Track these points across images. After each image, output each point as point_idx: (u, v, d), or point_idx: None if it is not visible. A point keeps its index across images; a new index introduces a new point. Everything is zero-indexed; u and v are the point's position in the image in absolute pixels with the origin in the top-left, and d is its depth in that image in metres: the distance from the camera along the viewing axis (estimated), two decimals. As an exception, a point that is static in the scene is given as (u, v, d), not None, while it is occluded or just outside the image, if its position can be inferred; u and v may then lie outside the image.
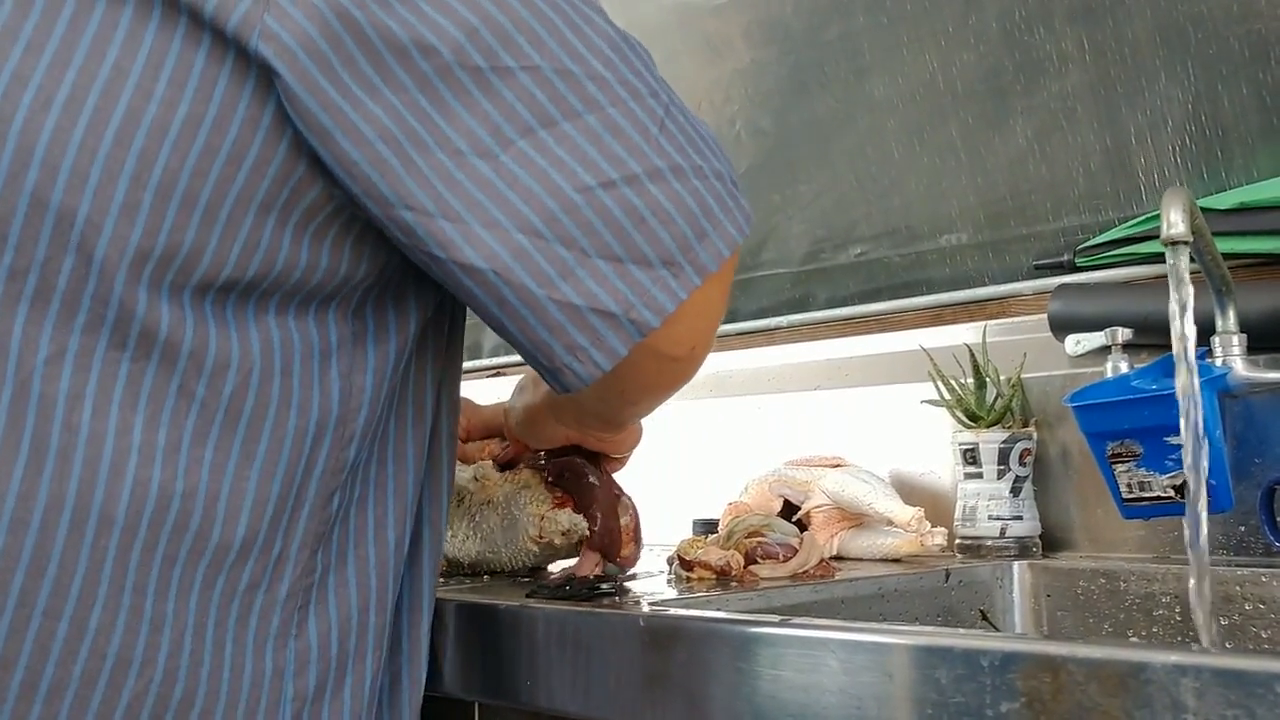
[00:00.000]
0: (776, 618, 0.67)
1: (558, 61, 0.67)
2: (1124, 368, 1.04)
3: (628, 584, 0.96)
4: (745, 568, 0.98)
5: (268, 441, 0.68)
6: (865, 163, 1.36)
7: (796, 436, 1.33)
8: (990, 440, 1.13)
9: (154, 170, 0.63)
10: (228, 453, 0.66)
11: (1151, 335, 1.07)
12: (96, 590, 0.62)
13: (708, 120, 1.47)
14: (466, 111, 0.65)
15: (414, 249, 0.67)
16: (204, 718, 0.66)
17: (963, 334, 1.25)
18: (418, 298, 0.75)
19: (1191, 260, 0.87)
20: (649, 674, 0.72)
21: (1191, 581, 0.83)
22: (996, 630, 1.06)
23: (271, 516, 0.68)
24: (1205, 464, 0.85)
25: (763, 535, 1.02)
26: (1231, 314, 0.99)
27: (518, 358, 1.60)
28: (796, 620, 0.66)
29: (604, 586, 0.88)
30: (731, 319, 1.51)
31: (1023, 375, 1.16)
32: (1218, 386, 0.96)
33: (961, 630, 0.81)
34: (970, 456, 1.14)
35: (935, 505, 1.18)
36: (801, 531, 1.06)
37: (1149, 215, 1.16)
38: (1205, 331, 0.97)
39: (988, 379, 1.16)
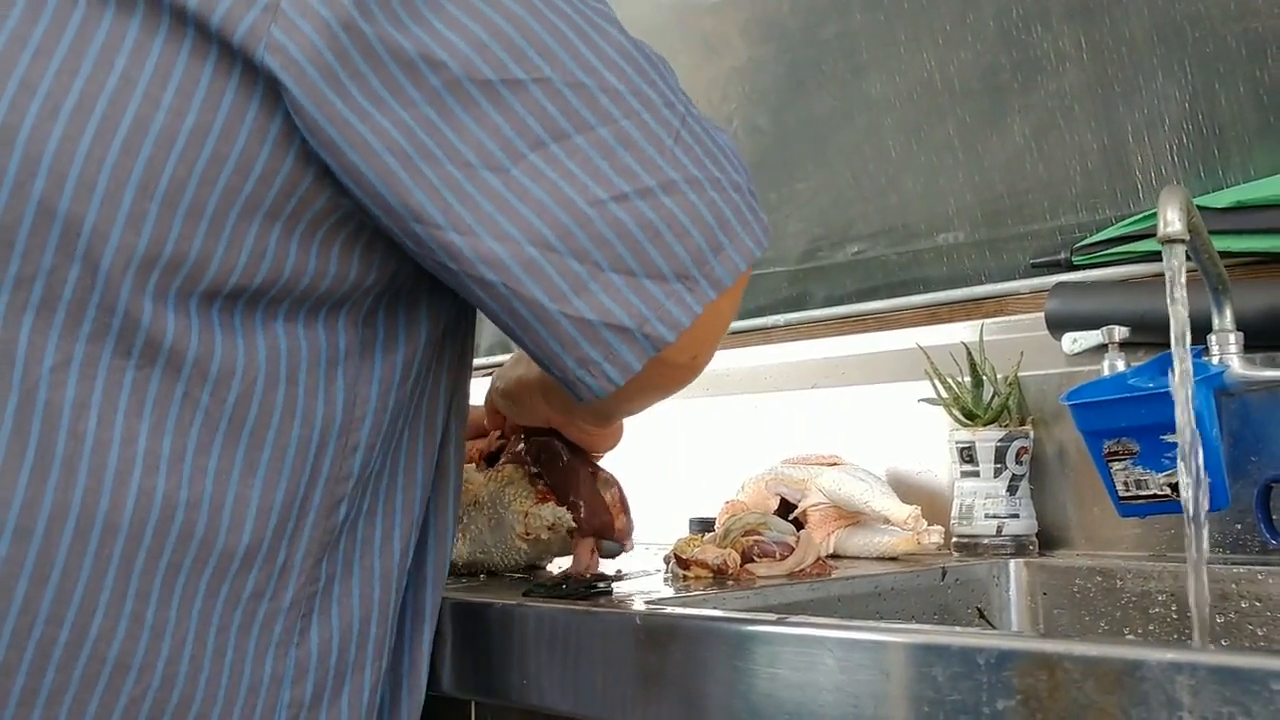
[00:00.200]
0: (773, 616, 0.67)
1: (569, 74, 0.67)
2: (1120, 366, 1.04)
3: (624, 583, 0.96)
4: (742, 566, 0.98)
5: (271, 450, 0.67)
6: (862, 161, 1.36)
7: (793, 435, 1.33)
8: (987, 439, 1.13)
9: (161, 179, 0.63)
10: (232, 460, 0.66)
11: (1148, 333, 1.07)
12: (98, 598, 0.63)
13: (705, 118, 1.48)
14: (476, 124, 0.65)
15: (426, 258, 0.67)
16: None
17: (960, 332, 1.25)
18: (430, 306, 0.75)
19: (1188, 258, 0.87)
20: (645, 672, 0.72)
21: (1190, 578, 0.83)
22: (993, 628, 1.07)
23: (275, 525, 0.68)
24: (1201, 462, 0.85)
25: (759, 534, 1.02)
26: (1228, 312, 0.99)
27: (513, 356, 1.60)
28: (793, 619, 0.66)
29: (600, 585, 0.88)
30: (729, 317, 1.51)
31: (1019, 374, 1.16)
32: (1214, 385, 0.96)
33: (958, 628, 0.81)
34: (967, 455, 1.14)
35: (932, 503, 1.18)
36: (798, 530, 1.06)
37: (1146, 214, 1.16)
38: (1202, 330, 0.97)
39: (984, 377, 1.16)
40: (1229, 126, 1.11)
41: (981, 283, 1.30)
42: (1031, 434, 1.15)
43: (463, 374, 0.82)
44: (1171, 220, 0.84)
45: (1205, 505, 0.85)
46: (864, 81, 1.33)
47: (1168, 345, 0.86)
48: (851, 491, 1.12)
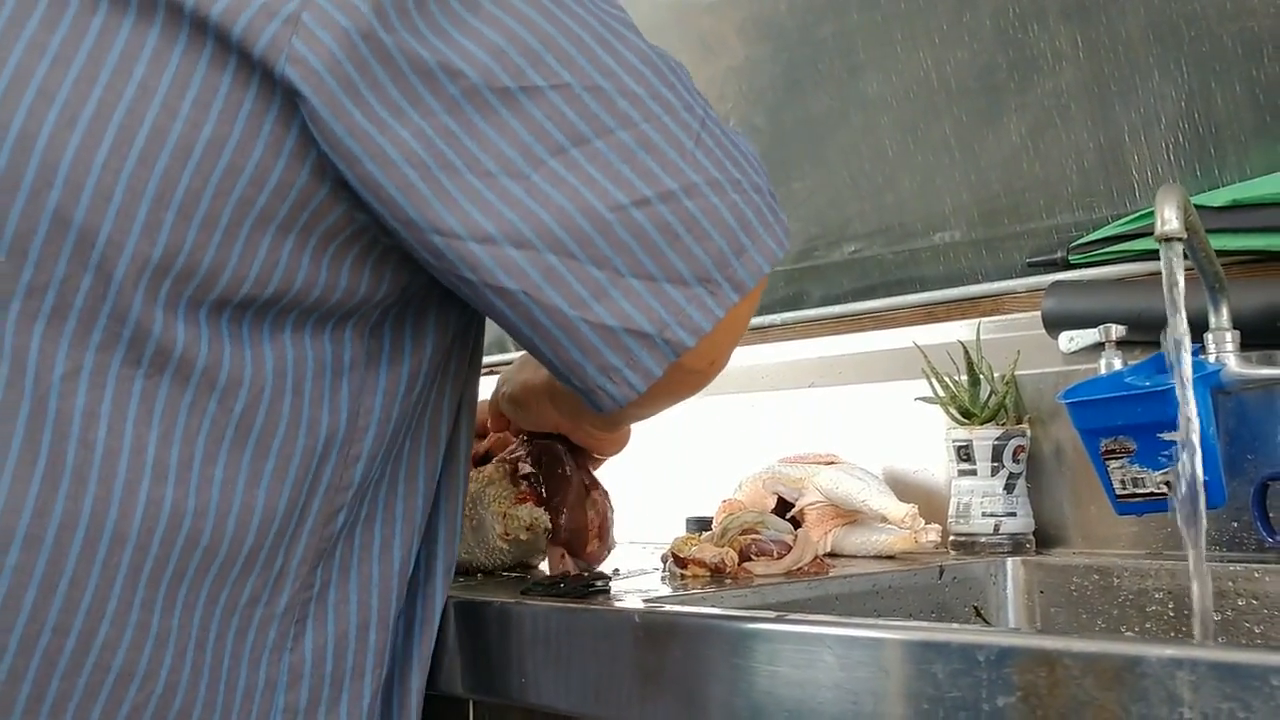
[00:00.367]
0: (772, 614, 0.67)
1: (588, 78, 0.66)
2: (1117, 364, 1.04)
3: (621, 581, 0.96)
4: (739, 565, 0.98)
5: (275, 459, 0.68)
6: (859, 160, 1.36)
7: (790, 434, 1.33)
8: (984, 437, 1.13)
9: (176, 190, 0.63)
10: (237, 468, 0.66)
11: (1145, 332, 1.07)
12: (105, 606, 0.63)
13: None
14: (496, 132, 0.65)
15: (445, 272, 0.67)
16: None
17: (956, 331, 1.25)
18: (438, 320, 0.75)
19: (1185, 257, 0.87)
20: (644, 671, 0.72)
21: (1191, 574, 0.83)
22: (991, 626, 1.07)
23: (275, 532, 0.68)
24: (1199, 460, 0.85)
25: (757, 532, 1.02)
26: (1225, 311, 0.99)
27: (511, 356, 1.60)
28: (792, 616, 0.66)
29: (598, 584, 0.88)
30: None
31: (1016, 372, 1.16)
32: (1211, 383, 0.96)
33: (957, 625, 0.81)
34: (964, 453, 1.14)
35: (929, 502, 1.18)
36: (795, 528, 1.06)
37: (1142, 212, 1.17)
38: (1198, 328, 0.97)
39: (981, 376, 1.16)
40: (1225, 125, 1.11)
41: (978, 281, 1.30)
42: (1028, 432, 1.15)
43: (471, 382, 0.81)
44: (1169, 219, 0.84)
45: (1203, 503, 0.85)
46: (861, 81, 1.33)
47: (1164, 344, 0.86)
48: (849, 490, 1.12)
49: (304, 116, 0.63)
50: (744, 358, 1.44)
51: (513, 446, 1.02)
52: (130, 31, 0.63)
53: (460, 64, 0.64)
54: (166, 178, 0.63)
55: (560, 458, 0.98)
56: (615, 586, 0.90)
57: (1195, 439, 0.85)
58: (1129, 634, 1.02)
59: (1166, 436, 0.94)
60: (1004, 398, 1.15)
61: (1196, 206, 0.96)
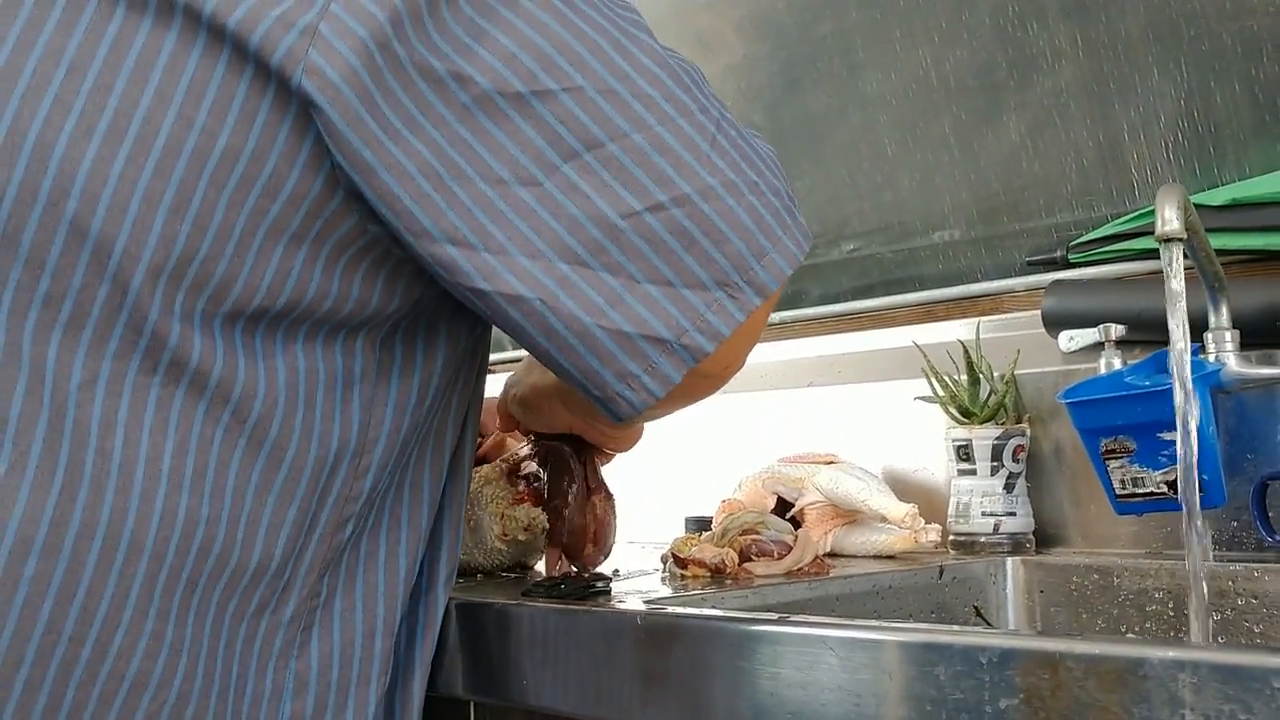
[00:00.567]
0: (774, 615, 0.67)
1: (602, 82, 0.66)
2: (1117, 364, 1.04)
3: (622, 582, 0.96)
4: (740, 565, 0.98)
5: (288, 470, 0.68)
6: (858, 159, 1.36)
7: (790, 433, 1.33)
8: (984, 437, 1.13)
9: (192, 201, 0.63)
10: (248, 478, 0.66)
11: (1145, 331, 1.07)
12: (121, 615, 0.63)
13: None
14: (509, 139, 0.64)
15: (457, 285, 0.66)
16: None
17: (956, 330, 1.25)
18: (449, 331, 0.74)
19: (1185, 256, 0.87)
20: (646, 672, 0.72)
21: (1190, 573, 0.83)
22: (990, 627, 1.07)
23: (285, 542, 0.68)
24: (1198, 460, 0.85)
25: (757, 532, 1.02)
26: (1224, 310, 0.99)
27: (508, 355, 1.60)
28: (795, 618, 0.66)
29: (598, 585, 0.88)
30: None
31: (1016, 371, 1.16)
32: (1210, 382, 0.96)
33: (960, 627, 0.82)
34: (964, 453, 1.14)
35: (929, 502, 1.18)
36: (795, 528, 1.06)
37: (1142, 211, 1.17)
38: (1198, 327, 0.97)
39: (981, 375, 1.16)
40: (1224, 124, 1.11)
41: (977, 280, 1.30)
42: (1028, 432, 1.15)
43: (478, 391, 0.81)
44: (1169, 219, 0.84)
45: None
46: (859, 79, 1.33)
47: (1164, 343, 0.87)
48: (849, 490, 1.12)
49: (319, 128, 0.63)
50: (743, 357, 1.44)
51: (521, 446, 1.02)
52: (147, 36, 0.63)
53: (471, 71, 0.64)
54: (182, 189, 0.63)
55: (566, 460, 0.97)
56: (616, 587, 0.90)
57: (1194, 440, 0.85)
58: (1129, 634, 1.02)
59: (1166, 436, 0.94)
60: (1004, 397, 1.15)
61: (1196, 205, 0.96)
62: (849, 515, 1.14)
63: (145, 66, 0.63)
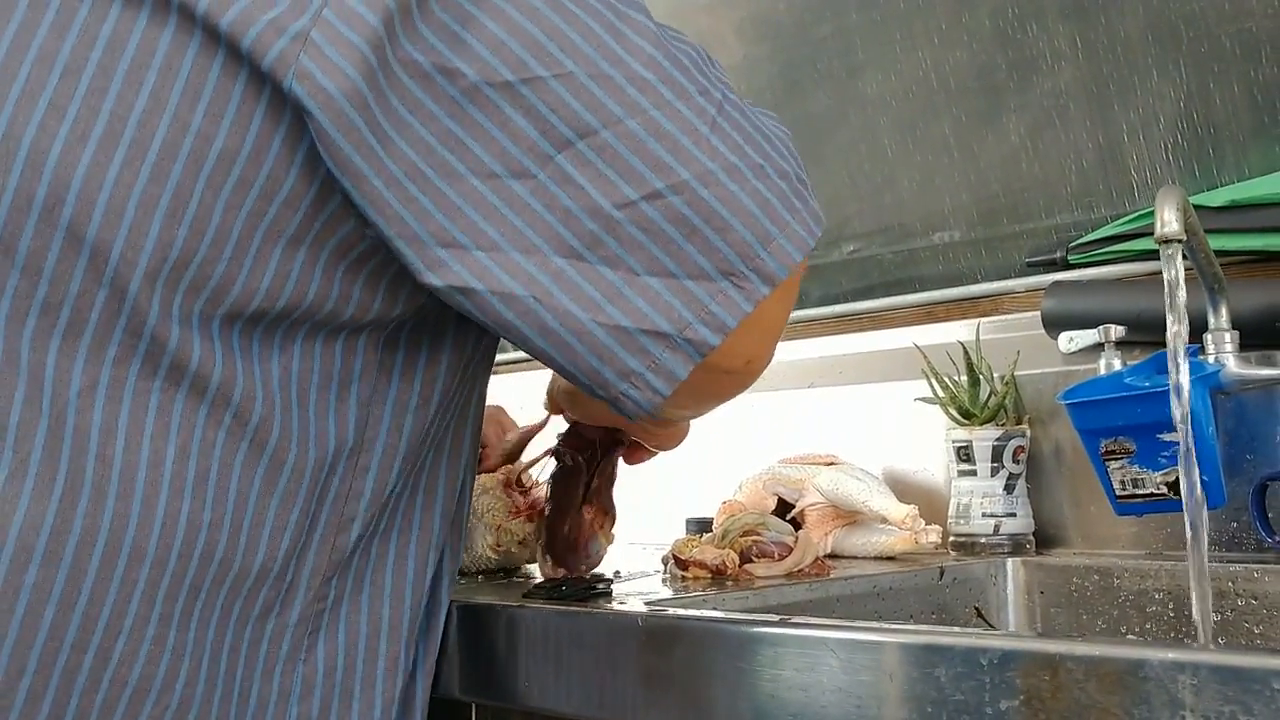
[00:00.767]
0: (775, 617, 0.67)
1: (594, 66, 0.63)
2: (1117, 365, 1.04)
3: (623, 584, 0.96)
4: (740, 566, 0.98)
5: (289, 474, 0.67)
6: (858, 160, 1.36)
7: (790, 434, 1.33)
8: (984, 438, 1.13)
9: (189, 205, 0.62)
10: (251, 481, 0.66)
11: (1144, 332, 1.07)
12: (123, 622, 0.62)
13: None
14: (500, 130, 0.63)
15: (449, 290, 0.64)
16: None
17: (956, 331, 1.25)
18: (456, 335, 0.73)
19: (1184, 258, 0.87)
20: (648, 674, 0.72)
21: (1191, 577, 0.83)
22: (991, 628, 1.07)
23: (288, 544, 0.68)
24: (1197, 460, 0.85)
25: (758, 534, 1.02)
26: (1224, 311, 0.99)
27: (510, 356, 1.60)
28: (796, 619, 0.66)
29: (599, 586, 0.88)
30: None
31: (1016, 372, 1.16)
32: (1210, 383, 0.96)
33: (960, 629, 0.82)
34: (964, 454, 1.14)
35: (929, 503, 1.18)
36: (796, 530, 1.06)
37: (1142, 212, 1.17)
38: (1198, 328, 0.97)
39: (981, 376, 1.16)
40: (1224, 126, 1.12)
41: (977, 281, 1.30)
42: (1028, 433, 1.15)
43: (482, 395, 0.80)
44: (1169, 220, 0.85)
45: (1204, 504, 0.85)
46: (859, 80, 1.33)
47: (1164, 344, 0.87)
48: (849, 491, 1.12)
49: (312, 132, 0.62)
50: (743, 358, 1.44)
51: (537, 459, 1.02)
52: (142, 36, 0.62)
53: (459, 63, 0.62)
54: (179, 192, 0.62)
55: (578, 470, 0.96)
56: (617, 589, 0.90)
57: (1193, 441, 0.85)
58: (1129, 635, 1.02)
59: (1166, 437, 0.94)
60: (1004, 398, 1.15)
61: (1195, 207, 0.96)
62: (849, 516, 1.14)
63: (140, 69, 0.62)
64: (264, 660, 0.68)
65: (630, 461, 0.97)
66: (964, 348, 1.17)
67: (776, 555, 0.99)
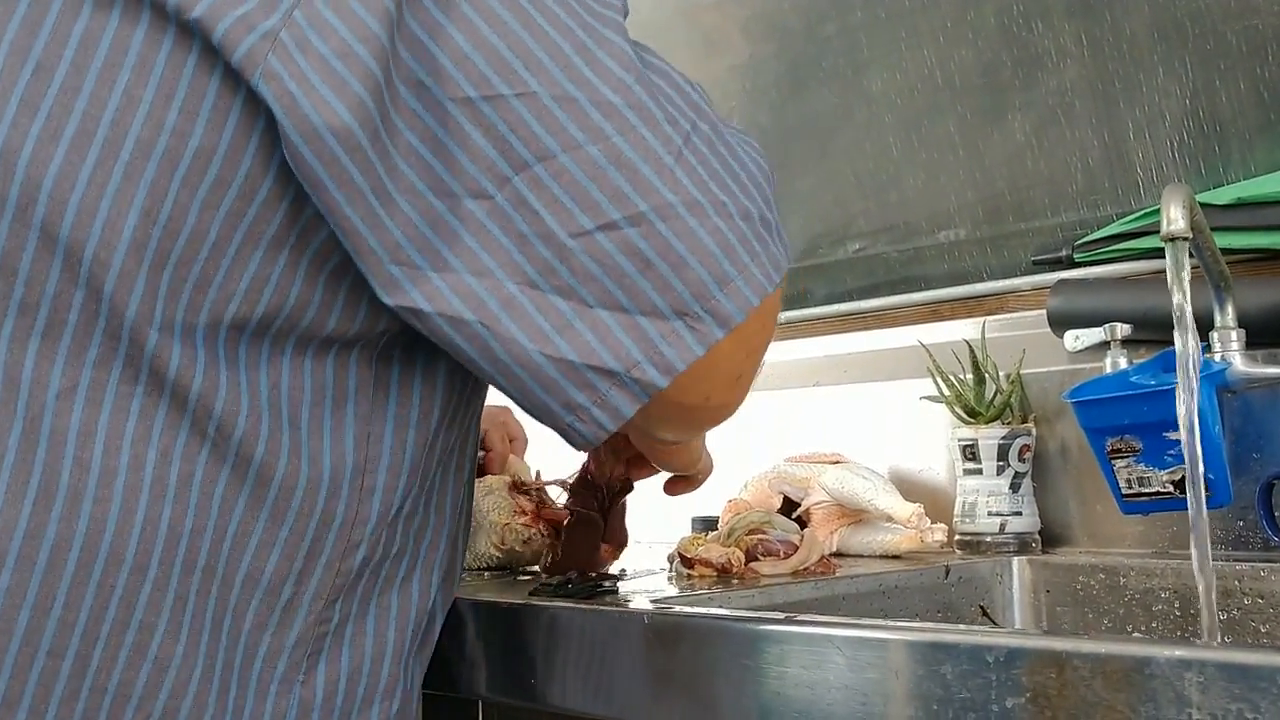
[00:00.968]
0: (781, 615, 0.67)
1: (559, 87, 0.61)
2: (1123, 363, 1.04)
3: (629, 582, 0.96)
4: (746, 565, 0.98)
5: (277, 490, 0.65)
6: (863, 158, 1.36)
7: (795, 433, 1.33)
8: (989, 436, 1.13)
9: (164, 205, 0.61)
10: (237, 491, 0.64)
11: (1150, 330, 1.07)
12: (100, 628, 0.61)
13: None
14: (459, 147, 0.61)
15: (401, 309, 0.62)
16: None
17: (961, 330, 1.25)
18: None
19: (1190, 256, 0.87)
20: (654, 672, 0.72)
21: (1197, 576, 0.83)
22: (997, 626, 1.07)
23: (279, 560, 0.66)
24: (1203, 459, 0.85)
25: (763, 532, 1.02)
26: (1230, 309, 0.99)
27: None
28: (801, 617, 0.66)
29: (605, 584, 0.88)
30: (729, 315, 1.51)
31: (1022, 371, 1.16)
32: (1216, 382, 0.96)
33: (966, 626, 0.82)
34: (969, 452, 1.14)
35: (934, 501, 1.18)
36: (801, 528, 1.06)
37: (1147, 210, 1.17)
38: (1204, 327, 0.97)
39: (987, 375, 1.16)
40: (1230, 123, 1.11)
41: (983, 280, 1.30)
42: (1034, 431, 1.15)
43: (480, 409, 0.79)
44: (1175, 218, 0.84)
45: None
46: (865, 79, 1.33)
47: (1170, 342, 0.87)
48: (855, 489, 1.12)
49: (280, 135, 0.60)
50: (748, 356, 1.44)
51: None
52: (115, 33, 0.61)
53: (423, 75, 0.60)
54: (153, 192, 0.61)
55: (595, 523, 0.96)
56: (623, 587, 0.90)
57: (1199, 440, 0.85)
58: (1135, 634, 1.02)
59: (1172, 435, 0.94)
60: (1009, 396, 1.15)
61: (1201, 205, 0.96)
62: (855, 515, 1.14)
63: (113, 67, 0.61)
64: (257, 679, 0.66)
65: (671, 492, 0.94)
66: (969, 346, 1.17)
67: (782, 554, 0.99)
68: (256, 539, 0.65)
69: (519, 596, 0.85)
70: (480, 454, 1.06)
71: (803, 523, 1.13)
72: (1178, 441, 0.91)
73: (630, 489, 0.97)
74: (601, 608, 0.78)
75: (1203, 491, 0.84)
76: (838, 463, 1.17)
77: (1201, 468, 0.84)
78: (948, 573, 1.04)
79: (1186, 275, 0.85)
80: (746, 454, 1.31)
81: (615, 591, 0.86)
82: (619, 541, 0.99)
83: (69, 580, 0.61)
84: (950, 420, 1.17)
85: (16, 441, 0.61)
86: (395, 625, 0.72)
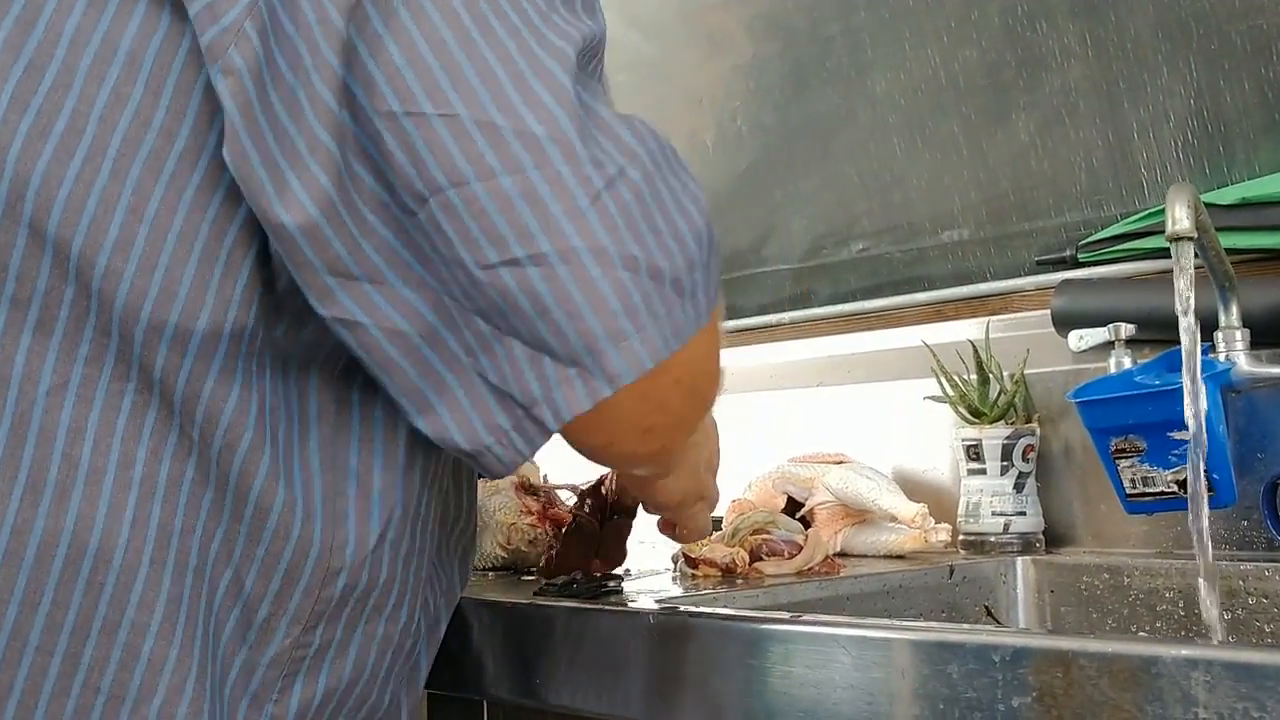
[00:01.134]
0: (787, 614, 0.67)
1: (482, 112, 0.58)
2: (1127, 363, 1.04)
3: (633, 582, 0.96)
4: (750, 565, 0.98)
5: (254, 507, 0.64)
6: (867, 158, 1.36)
7: (799, 433, 1.33)
8: (993, 436, 1.13)
9: (150, 203, 0.60)
10: (221, 504, 0.63)
11: (1155, 330, 1.07)
12: (90, 626, 0.61)
13: (707, 115, 1.48)
14: (384, 160, 0.59)
15: (334, 320, 0.61)
16: None
17: (965, 330, 1.25)
18: None
19: (1195, 256, 0.87)
20: (660, 671, 0.72)
21: (1200, 576, 0.83)
22: (1001, 626, 1.07)
23: (256, 577, 0.65)
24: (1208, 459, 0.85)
25: (767, 532, 1.02)
26: (1234, 309, 0.99)
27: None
28: (807, 617, 0.66)
29: (610, 584, 0.88)
30: (733, 315, 1.51)
31: (1026, 371, 1.16)
32: (1221, 382, 0.96)
33: (971, 626, 0.82)
34: (973, 452, 1.14)
35: (938, 501, 1.18)
36: (806, 528, 1.06)
37: (1152, 210, 1.17)
38: (1208, 327, 0.97)
39: (991, 375, 1.16)
40: (1234, 123, 1.11)
41: (987, 280, 1.30)
42: (1038, 431, 1.15)
43: None
44: (1180, 218, 0.84)
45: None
46: (868, 79, 1.33)
47: (1174, 342, 0.87)
48: (859, 489, 1.12)
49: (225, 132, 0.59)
50: (752, 356, 1.45)
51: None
52: (107, 30, 0.61)
53: (354, 84, 0.59)
54: (139, 190, 0.60)
55: (594, 533, 0.96)
56: (627, 587, 0.90)
57: (1204, 439, 0.85)
58: (1140, 633, 1.02)
59: (1177, 435, 0.94)
60: (1013, 396, 1.15)
61: (1206, 204, 0.96)
62: (859, 515, 1.14)
63: (103, 63, 0.61)
64: (231, 689, 0.65)
65: (660, 529, 0.92)
66: (973, 346, 1.17)
67: (786, 554, 0.99)
68: (240, 550, 0.64)
69: (524, 596, 0.85)
70: None
71: (807, 523, 1.13)
72: (1182, 441, 0.91)
73: (634, 514, 0.97)
74: (606, 608, 0.78)
75: (1206, 492, 0.84)
76: (842, 463, 1.17)
77: (1205, 468, 0.84)
78: (952, 573, 1.04)
79: (1191, 275, 0.85)
80: (750, 454, 1.31)
81: (620, 591, 0.86)
82: (612, 558, 0.98)
83: (57, 577, 0.60)
84: (954, 420, 1.17)
85: (5, 437, 0.60)
86: (377, 649, 0.71)
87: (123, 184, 0.60)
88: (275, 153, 0.59)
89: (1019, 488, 1.13)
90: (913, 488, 1.22)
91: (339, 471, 0.66)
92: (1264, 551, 1.03)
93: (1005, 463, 1.13)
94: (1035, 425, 1.15)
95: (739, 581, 0.95)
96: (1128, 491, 0.99)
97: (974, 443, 1.14)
